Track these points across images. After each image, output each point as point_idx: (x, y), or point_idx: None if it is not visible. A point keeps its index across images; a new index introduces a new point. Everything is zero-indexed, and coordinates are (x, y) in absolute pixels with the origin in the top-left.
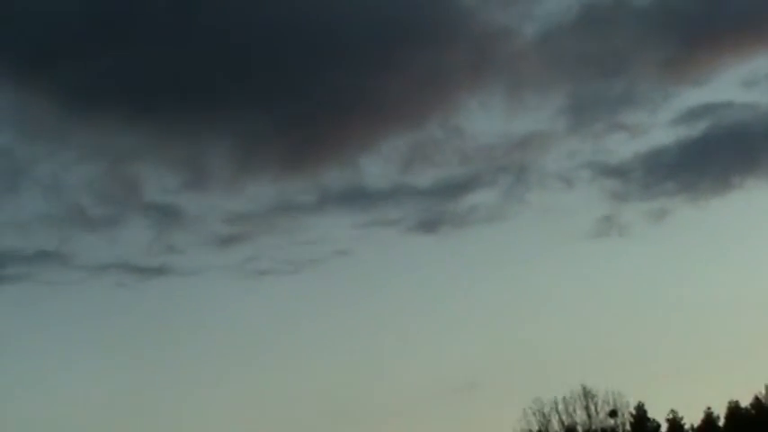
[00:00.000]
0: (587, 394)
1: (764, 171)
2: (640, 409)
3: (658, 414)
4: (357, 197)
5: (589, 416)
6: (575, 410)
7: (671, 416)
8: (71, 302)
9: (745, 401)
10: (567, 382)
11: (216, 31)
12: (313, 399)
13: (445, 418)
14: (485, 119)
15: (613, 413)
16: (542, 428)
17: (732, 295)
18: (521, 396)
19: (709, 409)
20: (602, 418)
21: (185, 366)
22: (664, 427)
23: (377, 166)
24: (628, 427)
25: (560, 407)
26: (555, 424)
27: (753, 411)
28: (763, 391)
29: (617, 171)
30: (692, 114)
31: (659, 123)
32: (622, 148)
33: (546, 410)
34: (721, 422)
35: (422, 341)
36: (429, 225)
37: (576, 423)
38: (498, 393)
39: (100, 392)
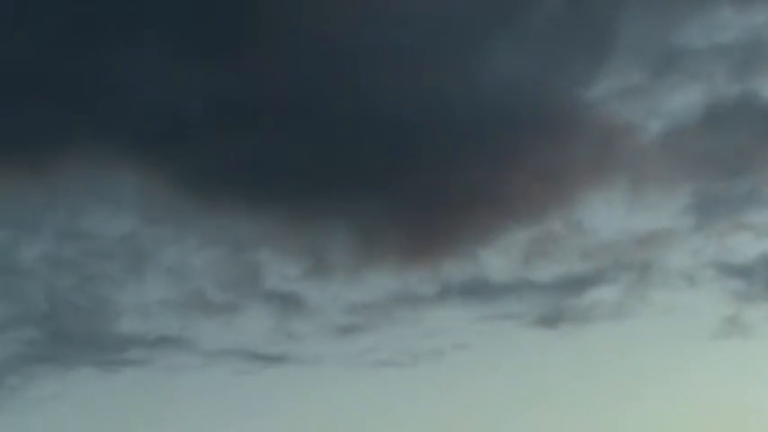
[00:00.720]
0: None
1: None
2: None
3: None
4: (477, 290)
5: None
6: None
7: None
8: (191, 387)
9: None
10: None
11: (337, 118)
12: None
13: None
14: (607, 215)
15: None
16: None
17: None
18: None
19: None
20: None
21: None
22: None
23: (497, 259)
24: None
25: None
26: None
27: None
28: None
29: (741, 271)
30: None
31: None
32: (747, 247)
33: None
34: None
35: None
36: (549, 320)
37: None
38: None
39: None
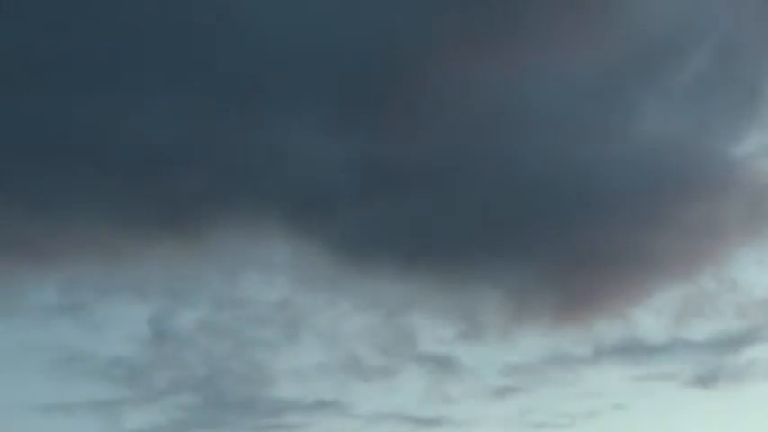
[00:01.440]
0: None
1: None
2: None
3: None
4: (631, 349)
5: None
6: None
7: None
8: None
9: None
10: None
11: (486, 181)
12: None
13: None
14: (760, 271)
15: None
16: None
17: None
18: None
19: None
20: None
21: None
22: None
23: (650, 318)
24: None
25: None
26: None
27: None
28: None
29: None
30: None
31: None
32: None
33: None
34: None
35: None
36: (706, 379)
37: None
38: None
39: None
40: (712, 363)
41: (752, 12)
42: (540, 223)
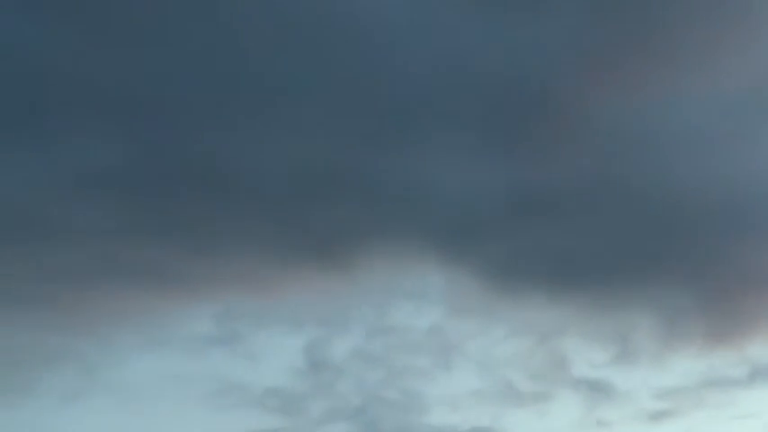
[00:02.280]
0: None
1: None
2: None
3: None
4: None
5: None
6: None
7: None
8: None
9: None
10: None
11: (637, 204)
12: None
13: None
14: None
15: None
16: None
17: None
18: None
19: None
20: None
21: None
22: None
23: None
24: None
25: None
26: None
27: None
28: None
29: None
30: None
31: None
32: None
33: None
34: None
35: None
36: None
37: None
38: None
39: None
40: None
41: None
42: (691, 245)
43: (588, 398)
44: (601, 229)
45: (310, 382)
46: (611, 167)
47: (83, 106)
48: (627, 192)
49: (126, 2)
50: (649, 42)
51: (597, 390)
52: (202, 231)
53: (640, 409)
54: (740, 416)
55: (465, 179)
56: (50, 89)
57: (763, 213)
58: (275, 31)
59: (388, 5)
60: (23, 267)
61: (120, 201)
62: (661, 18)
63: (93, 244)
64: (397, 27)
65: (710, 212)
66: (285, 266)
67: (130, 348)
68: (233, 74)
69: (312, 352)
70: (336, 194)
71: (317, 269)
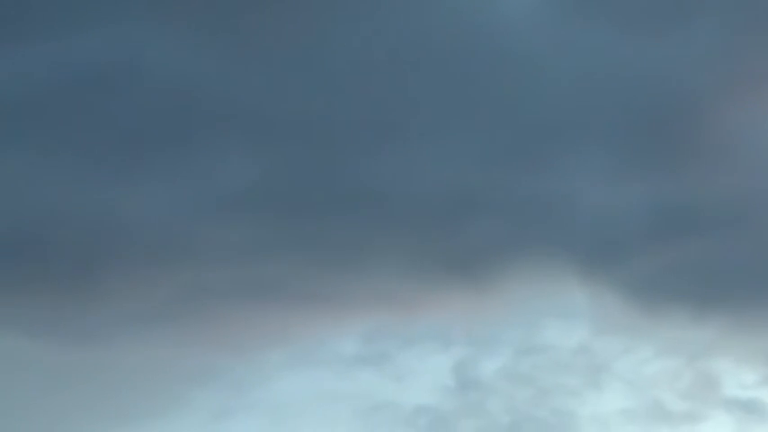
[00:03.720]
0: None
1: None
2: None
3: None
4: None
5: None
6: None
7: None
8: None
9: None
10: None
11: None
12: None
13: None
14: None
15: None
16: None
17: None
18: None
19: None
20: None
21: None
22: None
23: None
24: None
25: None
26: None
27: None
28: None
29: None
30: None
31: None
32: None
33: None
34: None
35: None
36: None
37: None
38: None
39: None
40: None
41: None
42: None
43: (740, 419)
44: (747, 245)
45: (459, 401)
46: (757, 182)
47: (225, 127)
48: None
49: (274, 25)
50: None
51: (750, 410)
52: (348, 251)
53: None
54: None
55: (608, 195)
56: (195, 111)
57: None
58: (414, 50)
59: (530, 25)
60: (171, 286)
61: (265, 220)
62: None
63: (238, 263)
64: (540, 45)
65: None
66: (430, 286)
67: (278, 367)
68: (375, 94)
69: (460, 371)
70: (480, 213)
71: (462, 288)
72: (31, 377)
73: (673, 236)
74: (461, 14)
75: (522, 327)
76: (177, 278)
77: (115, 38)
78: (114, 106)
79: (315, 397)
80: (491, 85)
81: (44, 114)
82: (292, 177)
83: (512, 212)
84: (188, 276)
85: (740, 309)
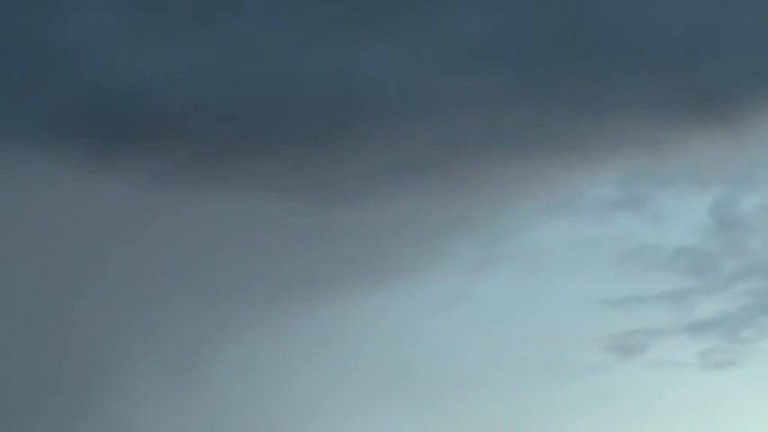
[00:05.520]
0: None
1: None
2: None
3: None
4: None
5: None
6: None
7: None
8: None
9: None
10: None
11: None
12: None
13: None
14: None
15: None
16: None
17: None
18: None
19: None
20: None
21: None
22: None
23: None
24: None
25: None
26: None
27: None
28: None
29: None
30: None
31: None
32: None
33: None
34: None
35: None
36: None
37: None
38: None
39: None
40: None
41: None
42: None
43: None
44: None
45: (719, 241)
46: None
47: None
48: None
49: None
50: None
51: None
52: (598, 95)
53: None
54: None
55: None
56: None
57: None
58: None
59: None
60: (420, 141)
61: (510, 69)
62: None
63: (486, 114)
64: None
65: None
66: (684, 126)
67: (535, 215)
68: None
69: (719, 210)
70: (730, 50)
71: (715, 127)
72: (285, 239)
73: None
74: None
75: None
76: (425, 132)
77: None
78: None
79: (572, 244)
80: None
81: None
82: (536, 23)
83: (748, 51)
84: (436, 130)
85: None
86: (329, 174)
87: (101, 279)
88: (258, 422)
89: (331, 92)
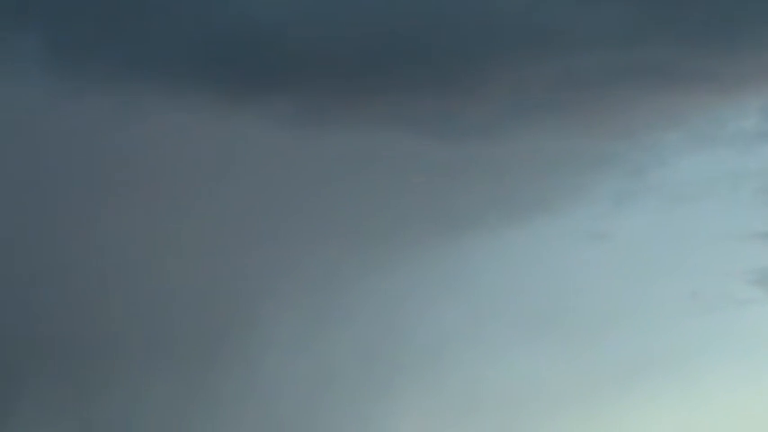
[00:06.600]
0: None
1: None
2: None
3: None
4: None
5: None
6: None
7: None
8: None
9: None
10: None
11: None
12: None
13: None
14: None
15: None
16: None
17: None
18: None
19: None
20: None
21: None
22: None
23: None
24: None
25: None
26: None
27: None
28: None
29: None
30: None
31: None
32: None
33: None
34: None
35: None
36: None
37: None
38: None
39: None
40: None
41: None
42: None
43: None
44: None
45: None
46: None
47: None
48: None
49: None
50: None
51: None
52: (736, 25)
53: None
54: None
55: None
56: None
57: None
58: None
59: None
60: (553, 76)
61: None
62: None
63: (614, 52)
64: None
65: None
66: None
67: (676, 149)
68: None
69: None
70: None
71: None
72: (419, 176)
73: None
74: None
75: None
76: (558, 67)
77: None
78: None
79: (715, 177)
80: None
81: None
82: None
83: None
84: (568, 64)
85: None
86: (465, 109)
87: (249, 218)
88: (404, 360)
89: (468, 30)
